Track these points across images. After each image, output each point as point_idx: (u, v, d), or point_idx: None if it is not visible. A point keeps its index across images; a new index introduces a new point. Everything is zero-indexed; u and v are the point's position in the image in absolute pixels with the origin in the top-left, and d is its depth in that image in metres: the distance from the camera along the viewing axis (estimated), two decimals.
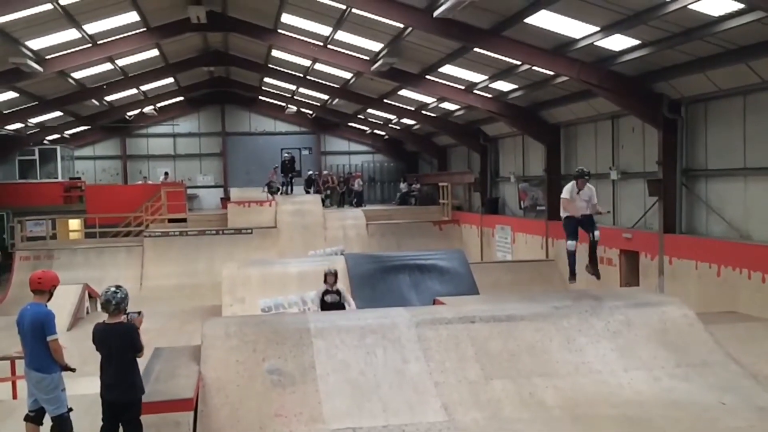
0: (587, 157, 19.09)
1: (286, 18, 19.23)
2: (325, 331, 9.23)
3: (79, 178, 32.73)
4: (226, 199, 33.29)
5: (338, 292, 11.70)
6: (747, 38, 12.18)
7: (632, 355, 9.36)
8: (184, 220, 28.50)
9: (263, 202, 28.41)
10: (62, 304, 14.33)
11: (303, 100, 31.57)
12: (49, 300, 7.16)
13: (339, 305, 11.40)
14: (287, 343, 8.91)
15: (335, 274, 11.84)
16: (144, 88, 28.50)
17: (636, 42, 13.90)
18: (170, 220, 28.34)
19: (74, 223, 29.32)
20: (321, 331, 9.23)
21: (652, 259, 15.65)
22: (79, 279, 18.27)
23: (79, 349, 12.78)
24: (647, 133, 16.34)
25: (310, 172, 32.58)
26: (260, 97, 34.15)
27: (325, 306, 11.54)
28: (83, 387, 8.30)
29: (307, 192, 31.09)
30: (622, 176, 17.36)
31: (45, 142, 31.81)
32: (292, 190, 30.51)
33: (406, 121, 29.18)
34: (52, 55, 19.21)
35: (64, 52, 19.35)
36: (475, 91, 20.42)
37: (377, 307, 12.15)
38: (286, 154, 31.52)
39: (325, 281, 11.72)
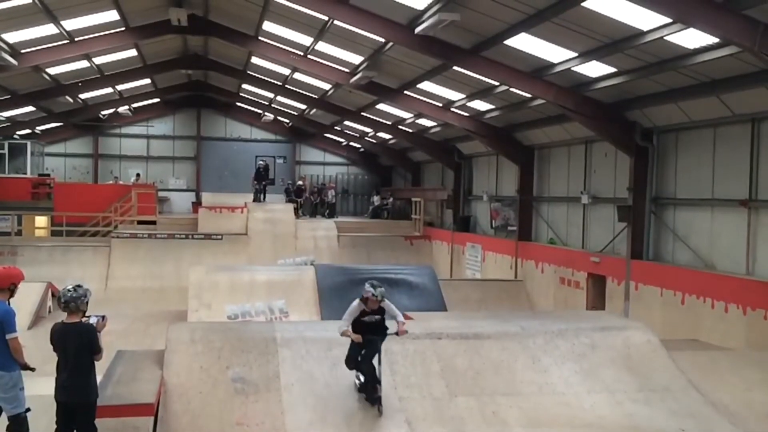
0: (560, 180, 19.35)
1: (268, 26, 19.23)
2: (292, 342, 9.19)
3: (48, 175, 32.16)
4: (197, 204, 33.02)
5: (381, 310, 8.41)
6: (720, 72, 12.46)
7: (596, 377, 9.46)
8: (153, 223, 28.18)
9: (235, 208, 28.21)
10: (24, 302, 14.03)
11: (280, 108, 31.54)
12: (10, 297, 7.03)
13: (380, 325, 8.40)
14: (253, 352, 8.86)
15: (378, 299, 8.24)
16: (120, 87, 28.23)
17: (612, 69, 14.15)
18: (139, 222, 28.01)
19: (41, 220, 28.82)
20: (287, 341, 9.17)
21: (619, 284, 15.84)
22: (42, 277, 17.92)
23: (40, 348, 12.53)
24: (619, 159, 16.59)
25: (290, 183, 32.30)
26: (237, 103, 34.03)
27: (361, 326, 8.33)
28: (42, 387, 8.13)
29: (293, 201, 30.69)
30: (592, 201, 17.59)
31: (15, 136, 31.26)
32: (265, 197, 30.28)
33: (382, 134, 29.29)
34: (28, 50, 18.98)
35: (40, 47, 19.11)
36: (452, 109, 20.59)
37: None
38: (261, 162, 31.37)
39: (365, 304, 8.28)
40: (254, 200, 29.10)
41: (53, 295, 16.93)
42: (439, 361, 9.26)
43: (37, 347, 11.65)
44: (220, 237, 26.00)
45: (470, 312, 15.29)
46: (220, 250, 25.25)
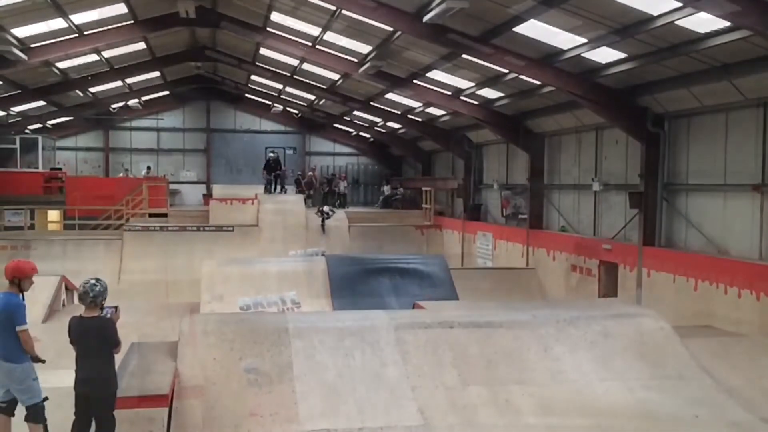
0: (570, 168, 19.25)
1: (276, 16, 19.19)
2: (304, 332, 9.20)
3: (60, 169, 32.33)
4: (208, 196, 33.09)
5: None
6: (731, 56, 12.34)
7: (608, 365, 9.41)
8: (165, 215, 28.28)
9: (246, 200, 28.25)
10: (37, 295, 14.12)
11: (289, 99, 31.51)
12: (21, 290, 7.07)
13: None
14: (265, 343, 8.87)
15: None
16: (129, 80, 28.30)
17: (622, 55, 14.04)
18: (151, 215, 28.10)
19: (53, 215, 28.99)
20: (300, 331, 9.19)
21: (631, 271, 15.77)
22: (56, 271, 18.01)
23: (54, 341, 12.66)
24: (630, 146, 16.48)
25: (299, 174, 32.32)
26: (246, 95, 34.04)
27: None
28: (58, 379, 8.21)
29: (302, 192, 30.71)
30: (604, 188, 17.49)
31: (26, 131, 31.43)
32: (280, 188, 30.14)
33: (391, 124, 29.22)
34: (38, 44, 19.01)
35: (50, 42, 19.14)
36: (461, 98, 20.50)
37: (357, 309, 12.25)
38: (271, 153, 31.42)
39: None
40: (265, 191, 29.10)
41: (67, 289, 17.08)
42: (452, 350, 9.26)
43: (51, 340, 11.77)
44: (231, 228, 26.03)
45: (482, 301, 15.28)
46: (231, 242, 25.30)
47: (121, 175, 33.35)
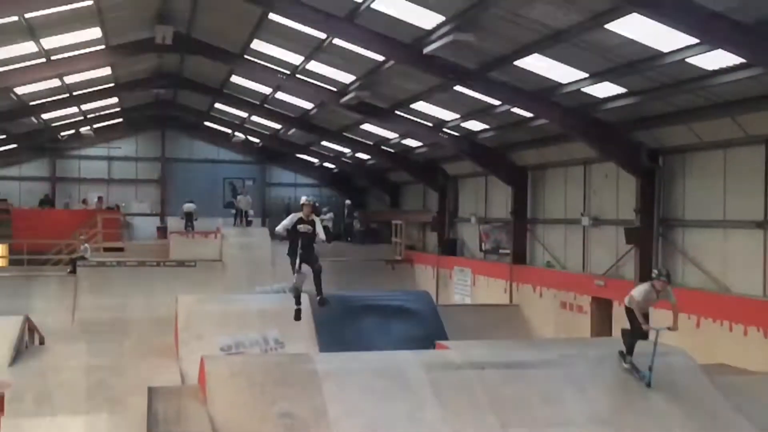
0: (556, 202, 19.14)
1: (257, 44, 18.56)
2: (333, 374, 9.08)
3: (4, 200, 30.61)
4: (162, 229, 31.83)
5: (312, 223, 11.69)
6: (736, 93, 12.41)
7: (643, 405, 9.39)
8: (121, 249, 27.00)
9: (208, 234, 27.26)
10: (1, 338, 13.19)
11: (253, 128, 30.70)
12: None
13: (311, 236, 11.61)
14: (296, 386, 8.68)
15: (312, 205, 11.97)
16: (85, 107, 26.98)
17: (622, 90, 13.99)
18: (105, 249, 26.79)
19: None
20: (329, 373, 9.05)
21: None
22: (2, 310, 17.04)
23: (28, 385, 11.66)
24: (621, 180, 16.45)
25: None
26: (205, 123, 33.02)
27: (296, 234, 11.58)
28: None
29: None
30: (593, 222, 17.40)
31: None
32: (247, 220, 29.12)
33: (360, 155, 28.71)
34: (2, 69, 17.82)
35: (14, 66, 17.97)
36: (444, 129, 20.22)
37: (344, 350, 12.08)
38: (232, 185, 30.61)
39: (302, 210, 11.79)
40: (234, 224, 28.28)
41: (29, 330, 15.87)
42: (486, 391, 9.14)
43: (25, 384, 10.86)
44: (193, 264, 25.01)
45: (476, 339, 14.97)
46: (193, 278, 24.20)
47: (79, 206, 31.62)
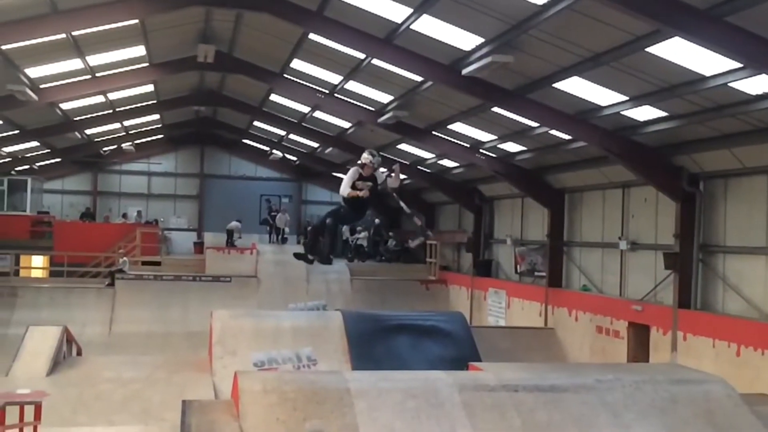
0: (594, 225, 18.90)
1: (297, 63, 18.81)
2: (365, 392, 8.88)
3: (47, 212, 31.33)
4: (199, 244, 32.22)
5: (373, 179, 10.74)
6: None
7: None
8: (158, 264, 27.39)
9: (244, 250, 27.55)
10: (41, 347, 13.38)
11: (290, 146, 30.99)
12: None
13: (364, 201, 10.87)
14: (327, 403, 8.53)
15: (375, 166, 10.82)
16: (127, 123, 27.59)
17: (663, 114, 13.83)
18: (143, 263, 27.21)
19: (37, 260, 27.89)
20: (361, 392, 8.86)
21: (664, 334, 15.31)
22: (42, 320, 17.33)
23: (65, 396, 11.82)
24: (660, 205, 16.20)
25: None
26: (243, 140, 33.44)
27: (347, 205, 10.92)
28: None
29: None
30: (631, 247, 17.14)
31: (12, 172, 30.47)
32: (283, 238, 29.45)
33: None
34: (47, 85, 18.36)
35: (61, 83, 18.50)
36: (481, 150, 20.16)
37: (378, 368, 12.00)
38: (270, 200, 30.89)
39: (363, 169, 10.64)
40: (269, 241, 28.59)
41: (68, 341, 16.16)
42: (519, 415, 8.94)
43: (63, 395, 11.02)
44: (228, 279, 25.28)
45: (502, 361, 14.85)
46: (228, 294, 24.54)
47: (119, 220, 32.25)
